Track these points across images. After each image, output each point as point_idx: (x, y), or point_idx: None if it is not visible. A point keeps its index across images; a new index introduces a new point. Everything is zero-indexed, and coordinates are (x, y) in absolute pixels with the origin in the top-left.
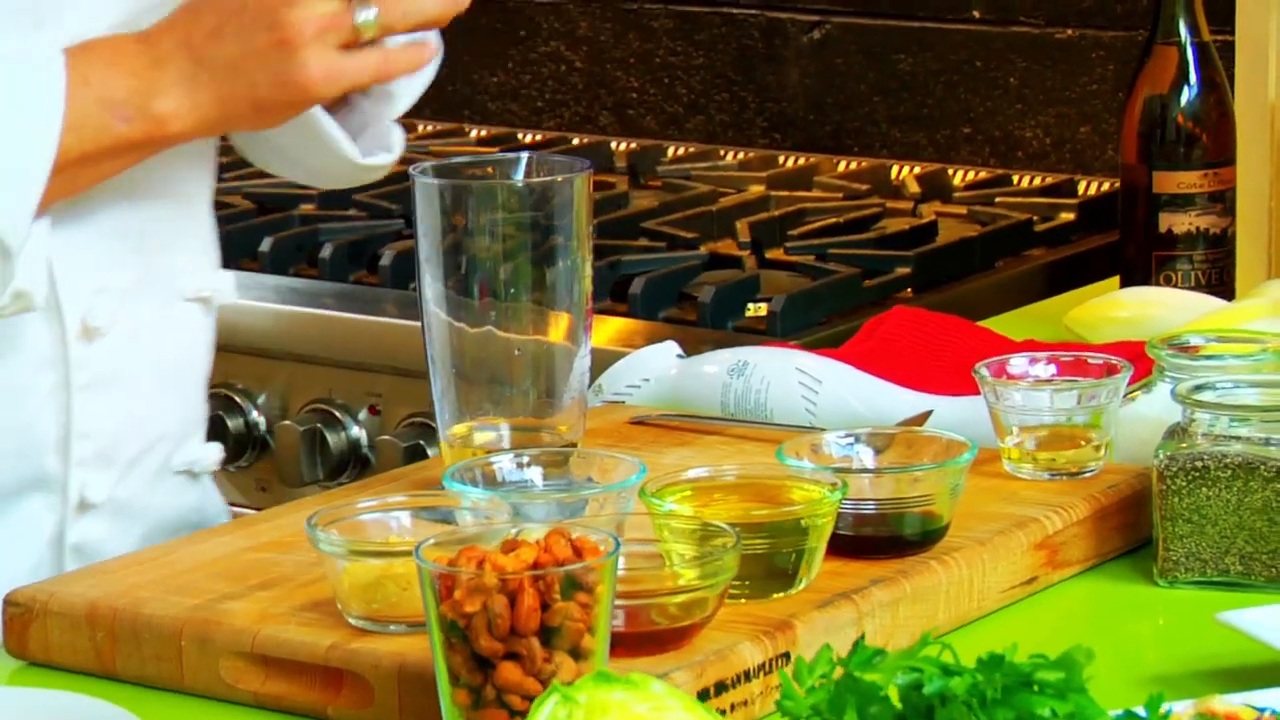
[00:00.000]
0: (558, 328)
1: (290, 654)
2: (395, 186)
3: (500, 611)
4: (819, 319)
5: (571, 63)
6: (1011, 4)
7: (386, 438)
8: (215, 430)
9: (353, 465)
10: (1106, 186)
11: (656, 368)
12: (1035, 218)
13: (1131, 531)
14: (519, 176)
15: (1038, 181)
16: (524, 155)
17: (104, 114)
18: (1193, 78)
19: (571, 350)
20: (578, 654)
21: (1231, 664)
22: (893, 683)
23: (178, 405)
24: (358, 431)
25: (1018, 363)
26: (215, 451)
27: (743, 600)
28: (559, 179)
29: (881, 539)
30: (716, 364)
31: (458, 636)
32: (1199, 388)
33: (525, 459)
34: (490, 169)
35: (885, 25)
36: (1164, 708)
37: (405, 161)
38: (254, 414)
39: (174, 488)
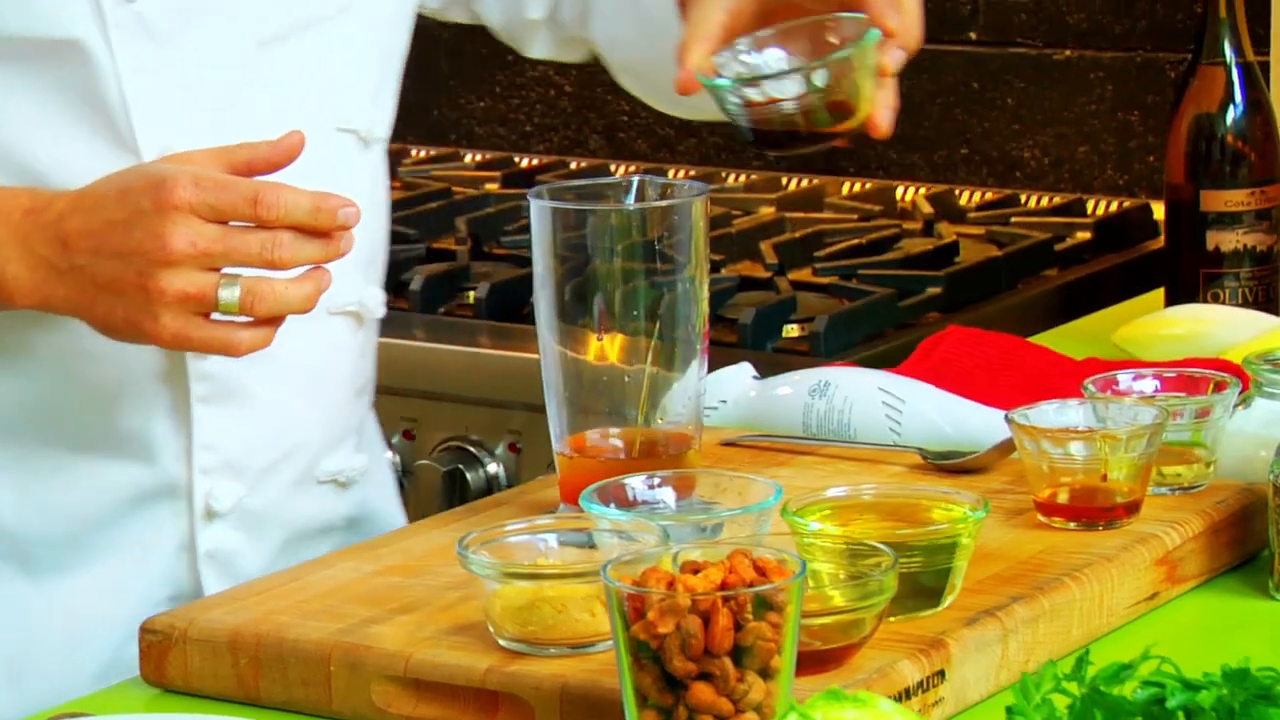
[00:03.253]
0: (675, 354)
1: (446, 677)
2: (409, 211)
3: (695, 632)
4: (858, 338)
5: (561, 86)
6: (1009, 25)
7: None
8: None
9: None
10: (1115, 206)
11: (733, 390)
12: (1052, 237)
13: (1240, 546)
14: (631, 200)
15: (1045, 202)
16: (635, 178)
17: None
18: (1238, 97)
19: (689, 377)
20: (767, 673)
21: None
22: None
23: (318, 417)
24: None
25: (1124, 379)
26: (363, 461)
27: (891, 619)
28: (679, 202)
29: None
30: (793, 385)
31: (648, 657)
32: None
33: (657, 480)
34: (609, 194)
35: None
36: None
37: (408, 186)
38: None
39: (319, 497)
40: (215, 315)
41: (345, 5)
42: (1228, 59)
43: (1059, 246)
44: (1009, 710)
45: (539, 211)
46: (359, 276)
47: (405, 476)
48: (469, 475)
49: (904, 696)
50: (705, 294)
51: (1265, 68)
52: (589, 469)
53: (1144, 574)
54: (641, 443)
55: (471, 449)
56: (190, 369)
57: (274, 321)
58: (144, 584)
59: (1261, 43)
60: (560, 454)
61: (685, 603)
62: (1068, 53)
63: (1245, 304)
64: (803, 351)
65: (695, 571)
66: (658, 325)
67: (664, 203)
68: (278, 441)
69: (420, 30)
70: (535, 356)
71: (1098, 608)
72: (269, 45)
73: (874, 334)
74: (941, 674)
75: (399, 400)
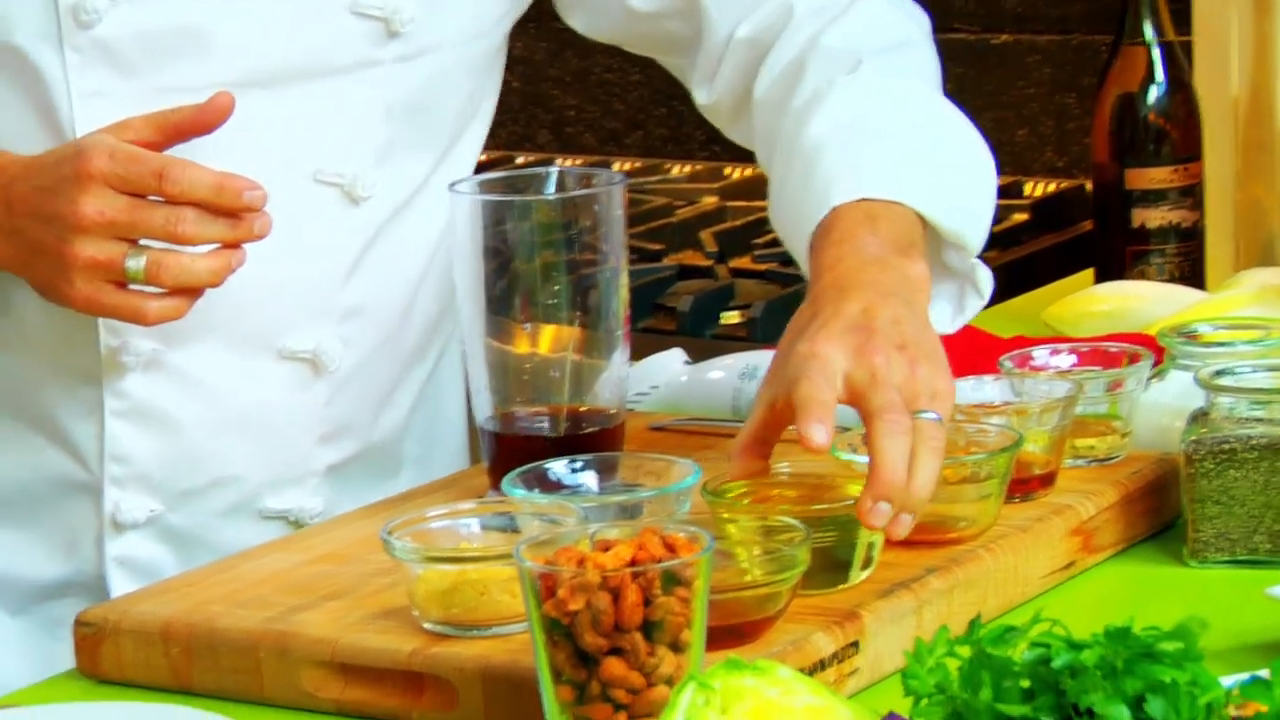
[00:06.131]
0: (597, 340)
1: (372, 661)
2: None
3: (604, 608)
4: None
5: (508, 82)
6: (948, 10)
7: None
8: None
9: None
10: (1053, 187)
11: (664, 374)
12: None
13: (1156, 515)
14: (550, 190)
15: None
16: (553, 170)
17: None
18: (1160, 77)
19: (612, 363)
20: (677, 647)
21: (1269, 638)
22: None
23: (257, 455)
24: None
25: (1040, 354)
26: (320, 505)
27: (805, 593)
28: (597, 191)
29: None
30: (724, 369)
31: (561, 634)
32: (1219, 373)
33: (579, 464)
34: (528, 184)
35: None
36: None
37: None
38: None
39: (266, 531)
40: (132, 286)
41: (368, 60)
42: (1149, 39)
43: (996, 228)
44: (904, 674)
45: (459, 204)
46: (316, 325)
47: None
48: None
49: (819, 668)
50: (625, 281)
51: (1187, 47)
52: (516, 456)
53: (1059, 544)
54: (567, 429)
55: None
56: (105, 383)
57: (188, 294)
58: (53, 567)
59: (1184, 23)
60: (487, 441)
61: (595, 580)
62: (1005, 36)
63: (1172, 280)
64: (741, 338)
65: (607, 549)
66: (579, 313)
67: (581, 193)
68: (203, 469)
69: None
70: (517, 350)
71: (1013, 578)
72: (253, 87)
73: None
74: (856, 645)
75: None
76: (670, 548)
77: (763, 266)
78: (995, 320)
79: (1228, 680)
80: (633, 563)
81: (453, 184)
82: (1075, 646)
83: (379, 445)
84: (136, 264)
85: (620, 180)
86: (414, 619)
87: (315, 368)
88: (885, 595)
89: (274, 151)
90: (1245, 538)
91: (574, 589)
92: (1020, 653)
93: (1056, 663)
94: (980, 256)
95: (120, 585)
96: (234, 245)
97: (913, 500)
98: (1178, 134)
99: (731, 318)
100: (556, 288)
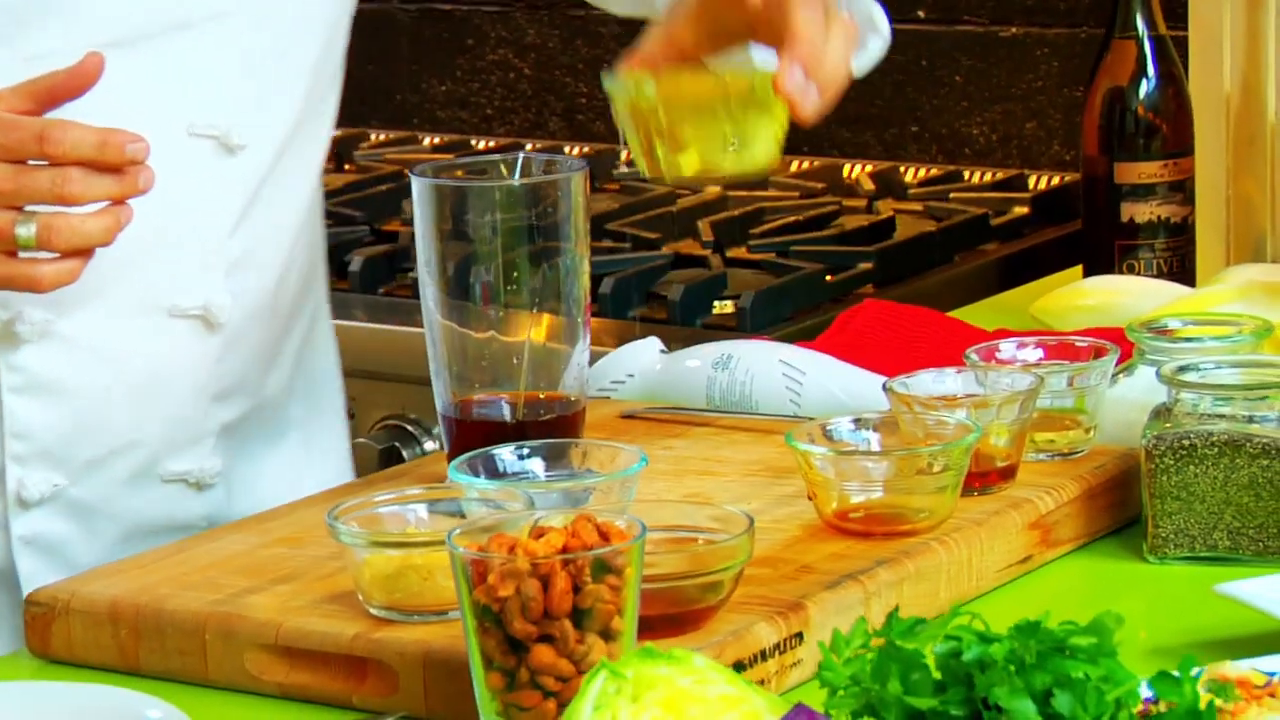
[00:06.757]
0: (558, 326)
1: (315, 645)
2: (358, 194)
3: (534, 595)
4: (786, 314)
5: (520, 70)
6: (956, 3)
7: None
8: None
9: None
10: (1057, 180)
11: (640, 363)
12: (990, 212)
13: (1119, 510)
14: (516, 177)
15: (989, 177)
16: (520, 155)
17: None
18: (1151, 70)
19: (571, 349)
20: (608, 635)
21: (1224, 634)
22: (931, 651)
23: (156, 416)
24: None
25: (1006, 348)
26: (218, 464)
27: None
28: (556, 178)
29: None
30: (700, 358)
31: (491, 621)
32: (1183, 369)
33: (526, 451)
34: (491, 170)
35: None
36: (1197, 671)
37: (364, 170)
38: None
39: (166, 496)
40: (23, 254)
41: (219, 11)
42: (1140, 32)
43: (996, 221)
44: (820, 666)
45: (421, 189)
46: (209, 282)
47: None
48: (405, 453)
49: (759, 659)
50: (586, 268)
51: (1178, 41)
52: (475, 441)
53: (1015, 537)
54: (526, 415)
55: (409, 427)
56: (0, 360)
57: (80, 256)
58: None
59: (1179, 17)
60: (446, 427)
61: (525, 566)
62: (1014, 30)
63: (1160, 275)
64: (730, 327)
65: (541, 536)
66: (539, 299)
67: (542, 178)
68: (104, 437)
69: (381, 15)
70: (477, 335)
71: (967, 571)
72: (117, 48)
73: (802, 309)
74: (800, 636)
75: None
76: (604, 535)
77: (757, 256)
78: (984, 313)
79: None
80: (564, 550)
81: (414, 168)
82: (986, 640)
83: (268, 404)
84: (27, 230)
85: (581, 166)
86: (361, 604)
87: (207, 324)
88: (832, 587)
89: (147, 109)
90: (1205, 534)
91: (504, 575)
92: (931, 646)
93: (967, 656)
94: (982, 248)
95: (27, 567)
96: (121, 201)
97: (825, 72)
98: (1168, 128)
99: (726, 307)
100: (516, 274)
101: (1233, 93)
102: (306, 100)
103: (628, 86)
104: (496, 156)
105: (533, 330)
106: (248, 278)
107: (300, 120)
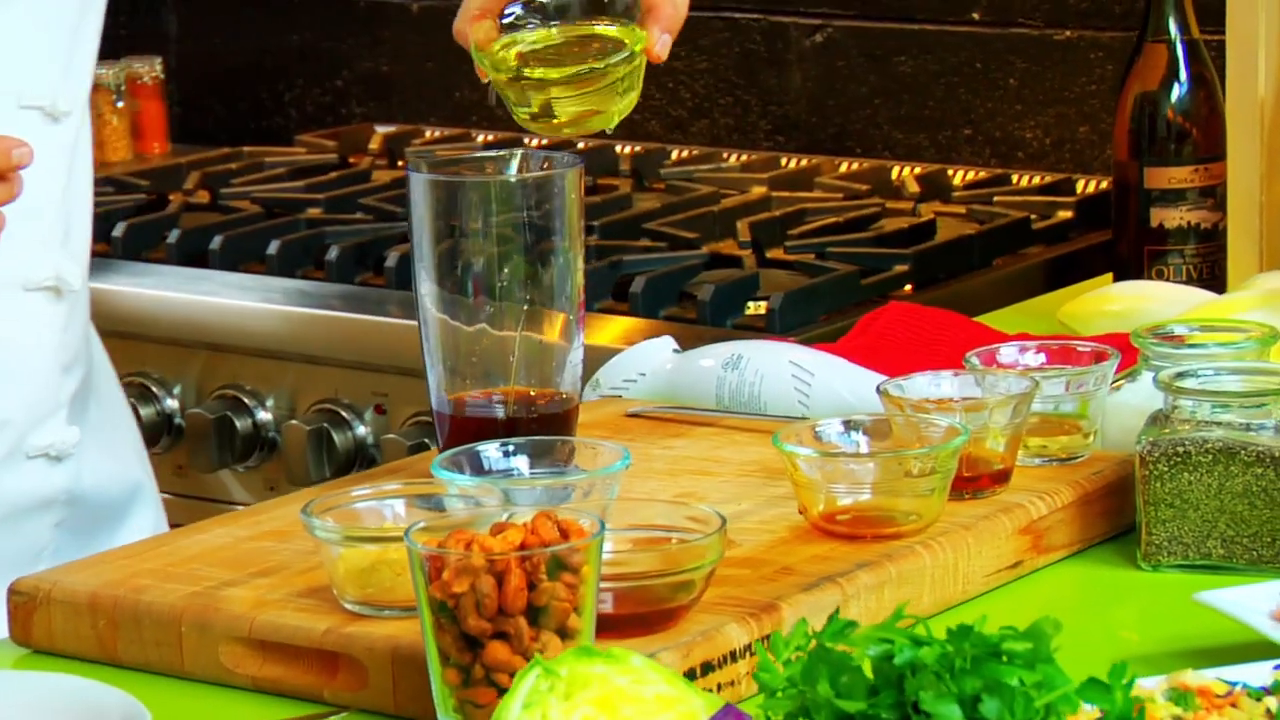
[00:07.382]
0: (551, 323)
1: (287, 639)
2: (400, 191)
3: (488, 591)
4: (817, 316)
5: None
6: (1011, 6)
7: (392, 436)
8: (224, 431)
9: (359, 464)
10: (1105, 184)
11: (652, 362)
12: (1033, 216)
13: (1116, 517)
14: (512, 172)
15: (1036, 181)
16: (517, 151)
17: None
18: (1183, 75)
19: (565, 346)
20: (565, 634)
21: (1211, 644)
22: (865, 654)
23: (20, 393)
24: (364, 431)
25: (1007, 352)
26: (74, 435)
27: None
28: (550, 174)
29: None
30: (711, 358)
31: (447, 617)
32: (1181, 375)
33: (511, 447)
34: (488, 166)
35: (886, 28)
36: (1129, 679)
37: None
38: (262, 414)
39: (32, 472)
40: None
41: None
42: (1172, 36)
43: (1038, 225)
44: (757, 667)
45: (417, 183)
46: (54, 252)
47: (276, 435)
48: (336, 436)
49: (730, 659)
50: (580, 264)
51: (1213, 45)
52: (466, 437)
53: (1005, 542)
54: (518, 412)
55: (341, 411)
56: None
57: None
58: None
59: (1215, 20)
60: (440, 421)
61: (480, 563)
62: (1068, 33)
63: (1190, 281)
64: (760, 328)
65: (499, 534)
66: (533, 296)
67: (536, 174)
68: None
69: (440, 13)
70: (402, 322)
71: (952, 576)
72: None
73: (835, 310)
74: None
75: (278, 365)
76: (563, 533)
77: (793, 258)
78: (1013, 318)
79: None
80: (522, 547)
81: (409, 163)
82: (918, 643)
83: (93, 370)
84: None
85: (576, 163)
86: (335, 598)
87: (57, 293)
88: (809, 589)
89: None
90: (1198, 542)
91: (458, 571)
92: (864, 649)
93: (899, 659)
94: (1023, 252)
95: None
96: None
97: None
98: (1199, 133)
99: (759, 308)
100: (509, 269)
101: (1267, 98)
102: (78, 59)
103: (491, 48)
104: (495, 152)
105: (525, 326)
106: (74, 240)
107: (87, 81)
